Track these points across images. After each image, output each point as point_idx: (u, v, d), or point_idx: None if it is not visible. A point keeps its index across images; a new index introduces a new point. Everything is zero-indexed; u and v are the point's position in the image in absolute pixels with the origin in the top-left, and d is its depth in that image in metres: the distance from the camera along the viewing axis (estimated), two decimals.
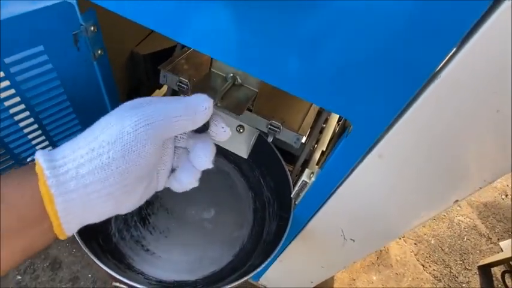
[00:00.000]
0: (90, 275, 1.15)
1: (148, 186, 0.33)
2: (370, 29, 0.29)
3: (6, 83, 0.42)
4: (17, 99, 0.46)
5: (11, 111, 0.46)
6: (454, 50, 0.29)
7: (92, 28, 0.46)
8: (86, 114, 0.57)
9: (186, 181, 0.36)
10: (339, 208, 0.53)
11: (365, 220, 0.53)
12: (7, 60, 0.40)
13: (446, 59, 0.30)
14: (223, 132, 0.36)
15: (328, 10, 0.29)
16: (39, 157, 0.27)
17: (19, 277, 1.11)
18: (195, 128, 0.33)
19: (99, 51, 0.49)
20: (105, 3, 0.40)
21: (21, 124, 0.49)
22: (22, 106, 0.47)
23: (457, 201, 0.41)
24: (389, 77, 0.32)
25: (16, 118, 0.47)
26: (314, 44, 0.32)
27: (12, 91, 0.44)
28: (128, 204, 0.32)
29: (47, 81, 0.47)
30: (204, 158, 0.35)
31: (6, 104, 0.44)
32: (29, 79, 0.45)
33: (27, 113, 0.48)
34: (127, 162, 0.28)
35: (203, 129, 0.35)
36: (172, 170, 0.37)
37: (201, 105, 0.32)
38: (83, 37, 0.46)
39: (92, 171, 0.27)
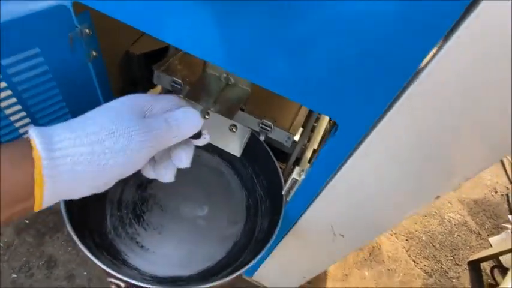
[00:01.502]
0: (85, 273, 1.16)
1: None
2: (354, 32, 0.30)
3: (3, 84, 0.43)
4: (14, 100, 0.47)
5: (8, 111, 0.47)
6: (436, 48, 0.30)
7: (87, 30, 0.47)
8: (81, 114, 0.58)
9: (167, 177, 0.40)
10: (328, 205, 0.55)
11: (353, 216, 0.55)
12: (4, 62, 0.41)
13: (428, 58, 0.31)
14: (204, 140, 0.41)
15: (314, 14, 0.31)
16: (36, 139, 0.27)
17: (14, 275, 1.12)
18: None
19: (94, 53, 0.51)
20: (97, 5, 0.41)
21: (17, 124, 0.50)
22: (19, 107, 0.48)
23: (438, 196, 0.43)
24: (372, 78, 0.33)
25: (12, 118, 0.48)
26: (299, 46, 0.33)
27: (9, 92, 0.45)
28: (105, 188, 0.34)
29: (43, 83, 0.48)
30: (185, 160, 0.40)
31: (3, 104, 0.45)
32: (25, 80, 0.46)
33: (23, 114, 0.50)
34: (121, 169, 0.31)
35: (195, 136, 0.39)
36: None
37: (194, 127, 0.37)
38: (78, 39, 0.47)
39: (86, 171, 0.29)
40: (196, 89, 0.57)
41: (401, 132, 0.38)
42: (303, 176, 0.53)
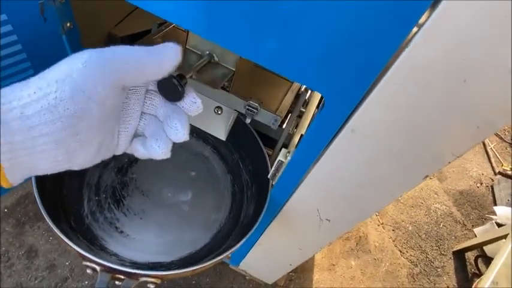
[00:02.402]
0: (67, 263, 1.13)
1: (104, 143, 0.31)
2: (340, 7, 0.29)
3: None
4: None
5: None
6: (423, 19, 0.29)
7: None
8: None
9: (160, 151, 0.33)
10: (314, 187, 0.53)
11: (339, 198, 0.53)
12: None
13: (413, 32, 0.30)
14: (195, 105, 0.34)
15: None
16: None
17: None
18: (160, 76, 0.30)
19: (68, 24, 0.48)
20: None
21: None
22: None
23: (426, 176, 0.41)
24: (358, 51, 0.32)
25: None
26: (289, 20, 0.32)
27: None
28: (81, 158, 0.29)
29: (12, 54, 0.45)
30: (181, 131, 0.33)
31: None
32: None
33: None
34: (76, 104, 0.25)
35: (177, 97, 0.34)
36: (136, 136, 0.35)
37: (168, 50, 0.29)
38: (50, 7, 0.44)
39: (38, 112, 0.24)
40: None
41: (388, 109, 0.36)
42: (289, 158, 0.51)
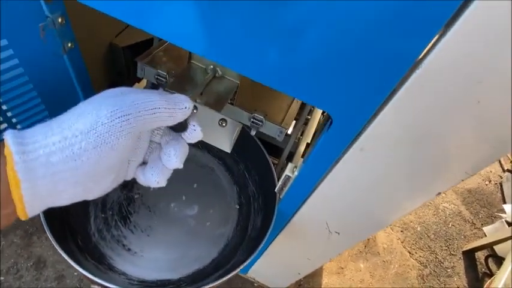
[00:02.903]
0: (76, 273, 1.13)
1: (118, 176, 0.33)
2: (348, 20, 0.28)
3: None
4: None
5: None
6: (435, 39, 0.28)
7: (60, 20, 0.43)
8: (59, 110, 0.54)
9: (153, 180, 0.35)
10: (322, 201, 0.52)
11: (349, 213, 0.52)
12: None
13: (426, 50, 0.29)
14: (195, 132, 0.35)
15: (306, 2, 0.28)
16: (9, 139, 0.25)
17: (2, 278, 1.09)
18: (172, 124, 0.32)
19: (69, 44, 0.47)
20: None
21: None
22: None
23: (439, 193, 0.40)
24: (368, 70, 0.31)
25: None
26: (292, 35, 0.30)
27: None
28: (96, 191, 0.31)
29: (15, 77, 0.44)
30: (174, 158, 0.34)
31: None
32: None
33: None
34: (99, 153, 0.27)
35: (181, 128, 0.34)
36: (144, 162, 0.37)
37: (181, 103, 0.31)
38: (50, 29, 0.43)
39: (63, 160, 0.26)
40: (181, 81, 0.54)
41: (400, 126, 0.35)
42: (296, 173, 0.51)
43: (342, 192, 0.48)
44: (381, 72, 0.31)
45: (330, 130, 0.38)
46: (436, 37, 0.27)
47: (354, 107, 0.34)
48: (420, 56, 0.29)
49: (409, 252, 1.45)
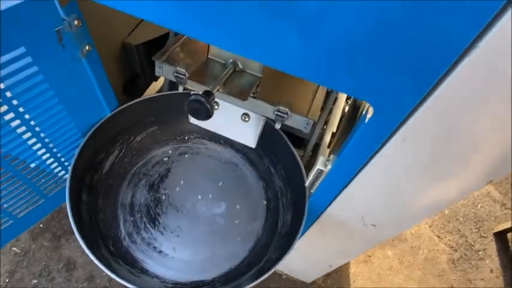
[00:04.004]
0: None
1: None
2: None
3: None
4: (5, 107, 0.42)
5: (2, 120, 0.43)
6: (486, 24, 0.25)
7: (76, 22, 0.42)
8: (80, 114, 0.53)
9: None
10: (358, 194, 0.50)
11: (387, 205, 0.50)
12: None
13: (476, 36, 0.25)
14: None
15: None
16: None
17: (35, 281, 1.11)
18: None
19: (87, 47, 0.45)
20: None
21: (18, 131, 0.46)
22: (11, 114, 0.43)
23: (491, 181, 0.37)
24: (416, 55, 0.28)
25: (11, 125, 0.44)
26: (325, 17, 0.28)
27: None
28: None
29: (34, 85, 0.43)
30: None
31: None
32: (14, 85, 0.41)
33: (18, 121, 0.45)
34: None
35: (206, 116, 0.34)
36: None
37: None
38: (67, 33, 0.42)
39: None
40: (201, 74, 0.52)
41: (448, 112, 0.32)
42: (329, 167, 0.48)
43: (380, 184, 0.46)
44: (427, 59, 0.28)
45: (370, 121, 0.35)
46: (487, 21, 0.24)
47: (397, 97, 0.32)
48: (469, 43, 0.26)
49: (438, 237, 1.42)
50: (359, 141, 0.39)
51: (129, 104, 0.62)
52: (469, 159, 0.36)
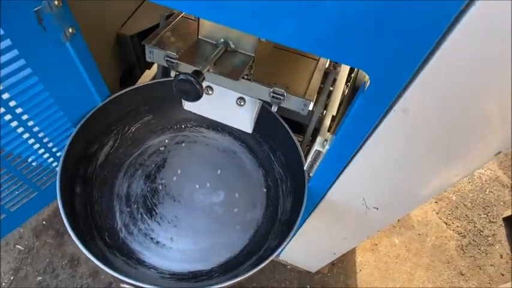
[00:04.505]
0: None
1: None
2: None
3: None
4: None
5: None
6: None
7: (56, 2, 0.40)
8: (69, 102, 0.51)
9: None
10: (358, 175, 0.48)
11: (389, 185, 0.48)
12: None
13: None
14: None
15: None
16: None
17: (39, 278, 1.11)
18: None
19: (71, 30, 0.43)
20: None
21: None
22: None
23: (499, 152, 0.35)
24: (412, 15, 0.25)
25: None
26: None
27: None
28: None
29: (16, 71, 0.41)
30: None
31: None
32: None
33: (2, 110, 0.43)
34: None
35: (196, 97, 0.32)
36: None
37: None
38: (48, 14, 0.40)
39: None
40: (191, 54, 0.50)
41: (452, 77, 0.30)
42: (327, 147, 0.46)
43: (380, 163, 0.44)
44: (425, 18, 0.25)
45: (366, 92, 0.33)
46: None
47: (395, 63, 0.29)
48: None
49: (446, 223, 1.39)
50: (357, 114, 0.37)
51: (120, 92, 0.60)
52: (475, 129, 0.34)
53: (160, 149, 0.68)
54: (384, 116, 0.36)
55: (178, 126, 0.71)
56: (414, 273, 1.24)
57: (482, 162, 0.37)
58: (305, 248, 0.85)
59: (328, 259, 0.87)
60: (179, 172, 0.66)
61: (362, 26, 0.27)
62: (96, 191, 0.58)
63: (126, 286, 0.39)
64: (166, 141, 0.69)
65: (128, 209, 0.59)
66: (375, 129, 0.38)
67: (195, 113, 0.62)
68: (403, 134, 0.37)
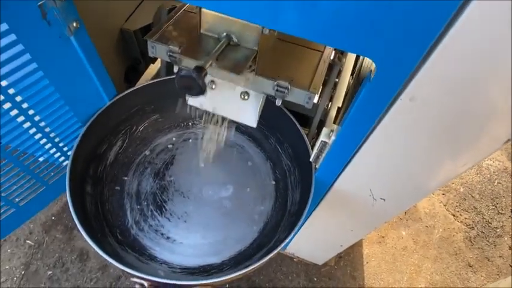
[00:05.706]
0: None
1: None
2: None
3: None
4: None
5: None
6: None
7: None
8: (76, 99, 0.52)
9: None
10: (365, 166, 0.47)
11: (396, 176, 0.47)
12: None
13: None
14: None
15: None
16: None
17: (50, 272, 1.13)
18: None
19: (75, 24, 0.43)
20: None
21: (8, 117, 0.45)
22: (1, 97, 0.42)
23: (508, 140, 0.35)
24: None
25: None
26: None
27: None
28: None
29: (22, 65, 0.42)
30: None
31: None
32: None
33: (8, 105, 0.44)
34: None
35: (199, 92, 0.32)
36: None
37: None
38: (52, 8, 0.40)
39: None
40: (194, 49, 0.50)
41: (460, 64, 0.30)
42: (333, 138, 0.46)
43: (387, 153, 0.43)
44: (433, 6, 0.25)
45: (373, 80, 0.32)
46: None
47: (402, 50, 0.29)
48: None
49: (453, 215, 1.38)
50: (363, 104, 0.36)
51: (122, 94, 0.61)
52: (483, 117, 0.33)
53: (169, 146, 0.69)
54: (391, 105, 0.35)
55: (185, 124, 0.72)
56: (422, 265, 1.24)
57: (491, 151, 0.36)
58: (312, 240, 0.85)
59: (335, 251, 0.87)
60: (188, 168, 0.66)
61: (369, 12, 0.27)
62: (106, 189, 0.59)
63: (137, 280, 0.40)
64: (174, 139, 0.70)
65: (139, 207, 0.60)
66: (381, 118, 0.38)
67: (200, 110, 0.62)
68: (410, 123, 0.37)
